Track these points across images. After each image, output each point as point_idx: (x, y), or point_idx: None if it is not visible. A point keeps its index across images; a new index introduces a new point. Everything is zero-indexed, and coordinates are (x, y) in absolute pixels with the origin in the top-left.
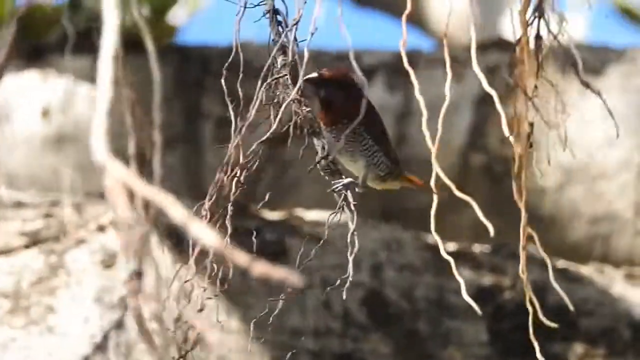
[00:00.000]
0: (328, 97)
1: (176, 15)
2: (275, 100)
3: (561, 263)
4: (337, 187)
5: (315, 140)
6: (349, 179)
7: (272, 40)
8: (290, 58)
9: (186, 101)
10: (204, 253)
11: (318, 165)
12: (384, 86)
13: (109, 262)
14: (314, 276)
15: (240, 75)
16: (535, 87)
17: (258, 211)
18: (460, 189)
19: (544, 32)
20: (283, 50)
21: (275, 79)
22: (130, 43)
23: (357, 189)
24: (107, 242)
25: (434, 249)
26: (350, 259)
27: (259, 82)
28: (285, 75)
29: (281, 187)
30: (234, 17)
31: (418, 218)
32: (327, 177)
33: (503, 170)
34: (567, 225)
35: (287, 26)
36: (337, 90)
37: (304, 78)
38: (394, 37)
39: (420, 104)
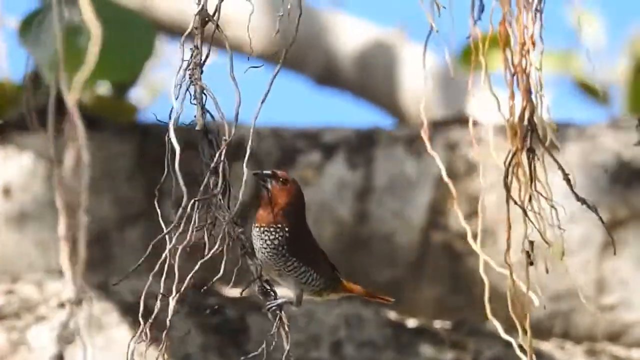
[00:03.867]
0: (274, 192)
1: (138, 96)
2: (209, 222)
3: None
4: (271, 307)
5: (249, 261)
6: (283, 299)
7: (204, 161)
8: (221, 180)
9: (147, 178)
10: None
11: (252, 285)
12: (345, 163)
13: (70, 338)
14: (276, 353)
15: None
16: (530, 199)
17: (219, 288)
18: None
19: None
20: (215, 170)
21: (207, 199)
22: (91, 121)
23: (293, 307)
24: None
25: (395, 325)
26: None
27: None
28: (219, 196)
29: (242, 264)
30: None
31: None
32: (260, 297)
33: (463, 248)
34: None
35: (218, 146)
36: (281, 190)
37: (255, 172)
38: (354, 115)
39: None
